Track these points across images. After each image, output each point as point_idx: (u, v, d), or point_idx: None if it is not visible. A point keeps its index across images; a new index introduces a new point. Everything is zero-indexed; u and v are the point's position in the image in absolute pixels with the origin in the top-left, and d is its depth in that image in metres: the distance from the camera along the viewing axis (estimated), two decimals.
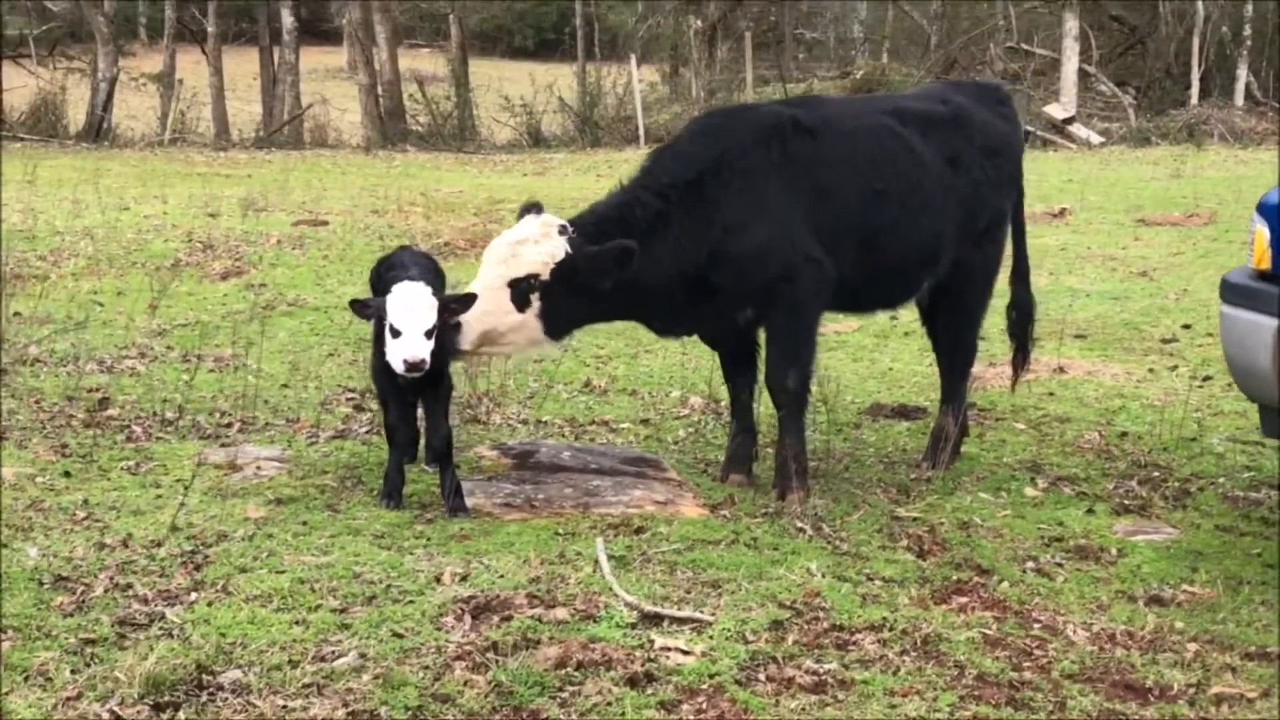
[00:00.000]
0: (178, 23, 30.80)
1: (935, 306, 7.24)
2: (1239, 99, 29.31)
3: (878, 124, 6.79)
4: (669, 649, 4.68)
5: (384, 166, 23.70)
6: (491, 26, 45.31)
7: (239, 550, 5.46)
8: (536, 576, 5.25)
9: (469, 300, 5.90)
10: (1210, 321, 9.64)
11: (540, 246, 6.05)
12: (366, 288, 7.42)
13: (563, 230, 6.10)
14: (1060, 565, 5.77)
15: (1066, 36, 28.25)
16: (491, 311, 6.00)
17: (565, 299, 6.08)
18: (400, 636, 4.71)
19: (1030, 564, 5.77)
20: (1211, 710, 4.46)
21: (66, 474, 6.50)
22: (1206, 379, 8.89)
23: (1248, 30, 29.97)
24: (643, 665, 4.54)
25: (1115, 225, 16.08)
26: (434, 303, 5.78)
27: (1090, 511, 6.47)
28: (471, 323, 5.97)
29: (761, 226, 6.32)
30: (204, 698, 4.27)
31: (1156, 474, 7.06)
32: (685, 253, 6.25)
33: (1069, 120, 27.26)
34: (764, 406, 6.90)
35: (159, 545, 5.51)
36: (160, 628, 4.75)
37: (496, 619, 4.86)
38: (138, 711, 4.17)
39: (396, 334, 5.73)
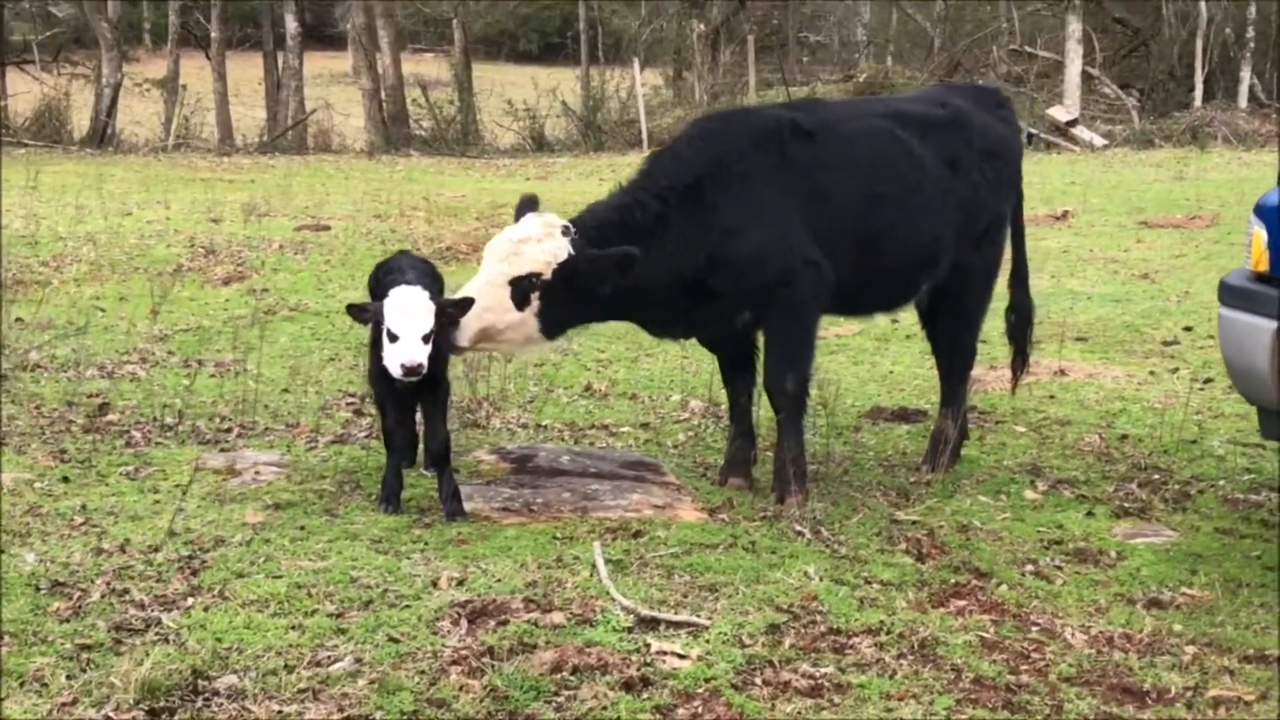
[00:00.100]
0: (182, 28, 30.86)
1: (935, 309, 7.23)
2: (1242, 101, 29.31)
3: (876, 127, 6.78)
4: (665, 653, 4.67)
5: (387, 171, 23.71)
6: (495, 31, 45.32)
7: (236, 555, 5.46)
8: (533, 581, 5.24)
9: (466, 305, 5.90)
10: (1212, 324, 9.62)
11: (543, 246, 6.05)
12: (367, 293, 7.41)
13: (565, 231, 6.10)
14: (1059, 568, 5.76)
15: (1070, 39, 28.25)
16: (491, 309, 6.00)
17: (565, 299, 6.08)
18: (396, 641, 4.71)
19: (1029, 567, 5.75)
20: (1209, 713, 4.45)
21: (65, 479, 6.50)
22: (1207, 381, 8.88)
23: (1251, 32, 29.96)
24: (638, 669, 4.54)
25: (1117, 228, 16.07)
26: (431, 307, 5.78)
27: (1090, 514, 6.45)
28: (470, 319, 5.97)
29: (760, 230, 6.31)
30: (199, 703, 4.27)
31: (1156, 477, 7.05)
32: (684, 256, 6.25)
33: (1072, 123, 27.25)
34: (763, 410, 6.89)
35: (156, 550, 5.51)
36: (156, 633, 4.75)
37: (493, 623, 4.85)
38: (133, 717, 4.17)
39: (394, 338, 5.74)
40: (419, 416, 6.35)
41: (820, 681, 4.54)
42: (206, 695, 4.31)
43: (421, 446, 6.53)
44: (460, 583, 5.21)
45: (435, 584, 5.20)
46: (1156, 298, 11.85)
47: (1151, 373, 9.32)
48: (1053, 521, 6.34)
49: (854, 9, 41.81)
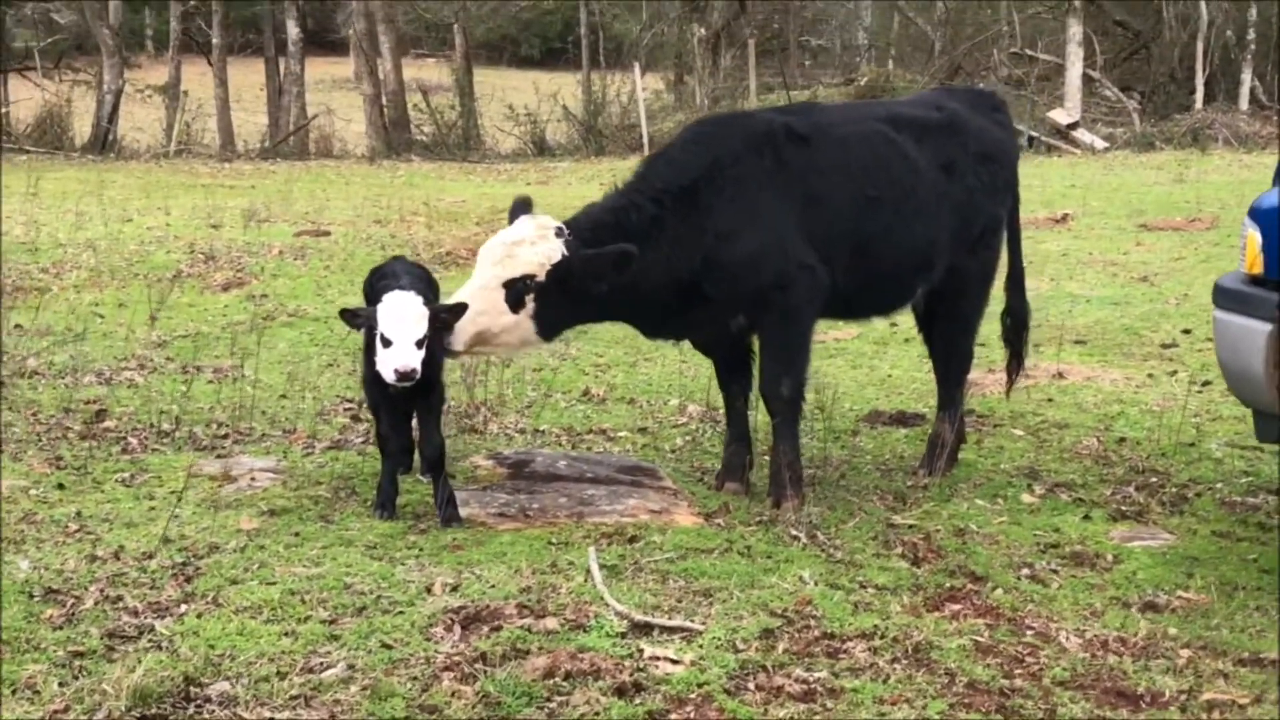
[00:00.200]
0: (183, 34, 30.96)
1: (931, 313, 7.22)
2: (1243, 103, 29.31)
3: (871, 130, 6.78)
4: (658, 658, 4.66)
5: (388, 176, 23.73)
6: (496, 36, 45.37)
7: (230, 562, 5.46)
8: (528, 586, 5.24)
9: (460, 310, 5.90)
10: (1210, 327, 9.61)
11: (537, 248, 6.04)
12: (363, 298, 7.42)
13: (559, 232, 6.10)
14: (1055, 572, 5.74)
15: (1070, 42, 28.25)
16: (486, 312, 6.00)
17: (559, 301, 6.08)
18: (389, 647, 4.70)
19: (1025, 571, 5.74)
20: (1203, 717, 4.44)
21: (60, 486, 6.50)
22: (1205, 384, 8.86)
23: (1251, 34, 29.97)
24: (631, 675, 4.53)
25: (1117, 230, 16.05)
26: (425, 312, 5.78)
27: (1087, 518, 6.44)
28: (465, 323, 5.97)
29: (755, 233, 6.31)
30: (191, 710, 4.27)
31: (1154, 479, 7.04)
32: (679, 259, 6.24)
33: (1073, 125, 27.25)
34: (760, 414, 6.88)
35: (150, 557, 5.51)
36: (149, 640, 4.74)
37: (486, 629, 4.85)
38: None
39: (387, 343, 5.73)
40: (415, 422, 6.34)
41: (813, 686, 4.53)
42: (199, 702, 4.30)
43: (417, 452, 6.52)
44: (454, 588, 5.21)
45: (429, 590, 5.19)
46: (1155, 300, 11.84)
47: (1150, 375, 9.31)
48: (1049, 525, 6.33)
49: (855, 12, 41.84)
